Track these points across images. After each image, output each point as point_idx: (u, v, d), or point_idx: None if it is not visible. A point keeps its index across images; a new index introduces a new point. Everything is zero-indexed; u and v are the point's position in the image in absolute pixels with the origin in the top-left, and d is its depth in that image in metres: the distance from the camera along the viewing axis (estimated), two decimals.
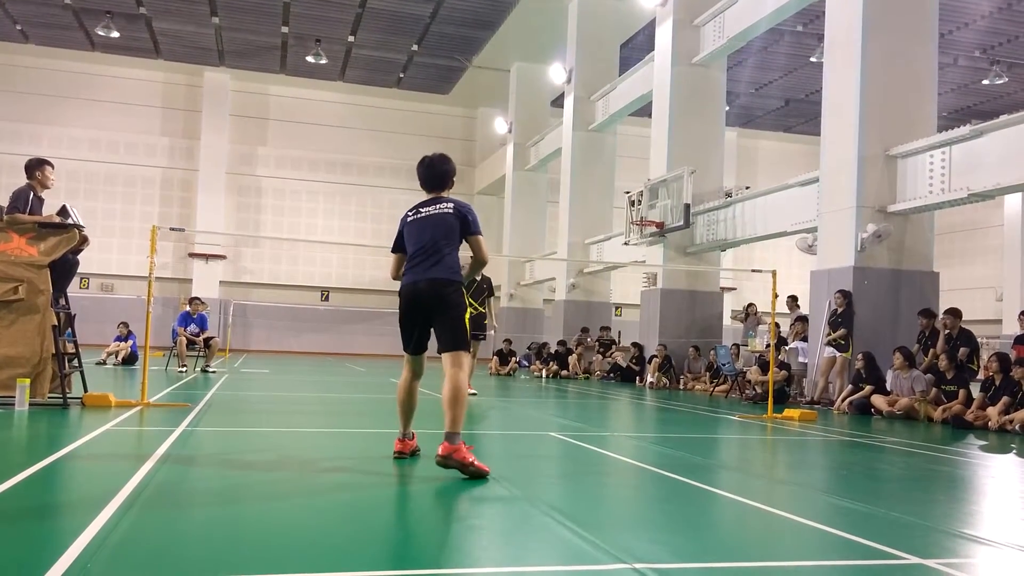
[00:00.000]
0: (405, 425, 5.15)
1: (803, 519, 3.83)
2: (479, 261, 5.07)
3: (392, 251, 5.15)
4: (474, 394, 10.92)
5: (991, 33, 21.53)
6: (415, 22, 23.59)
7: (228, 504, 3.75)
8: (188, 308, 14.91)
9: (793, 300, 14.20)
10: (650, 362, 16.03)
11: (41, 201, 7.70)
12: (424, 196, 5.14)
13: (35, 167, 7.67)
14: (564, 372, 18.61)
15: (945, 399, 9.86)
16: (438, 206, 4.99)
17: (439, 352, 4.95)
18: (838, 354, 11.59)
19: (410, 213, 5.09)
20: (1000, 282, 27.01)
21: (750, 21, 15.03)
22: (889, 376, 10.69)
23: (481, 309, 11.00)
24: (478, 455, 4.64)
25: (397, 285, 5.08)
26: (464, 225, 4.96)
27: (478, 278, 10.04)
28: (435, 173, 5.12)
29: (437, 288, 4.81)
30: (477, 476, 4.47)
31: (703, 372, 15.50)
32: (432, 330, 4.94)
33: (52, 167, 7.80)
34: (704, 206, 16.02)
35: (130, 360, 15.73)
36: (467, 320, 4.99)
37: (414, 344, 4.98)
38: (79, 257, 7.94)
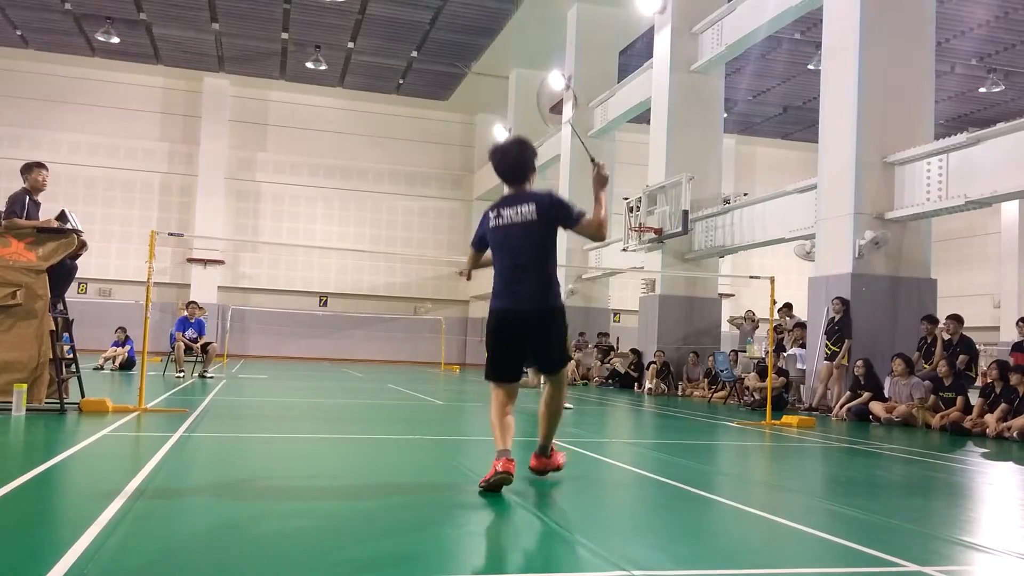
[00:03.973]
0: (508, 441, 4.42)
1: (802, 526, 3.82)
2: (598, 240, 4.40)
3: (471, 244, 4.58)
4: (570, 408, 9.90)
5: (988, 41, 21.59)
6: (415, 29, 23.63)
7: (225, 511, 3.73)
8: (186, 313, 14.88)
9: (788, 308, 14.15)
10: (648, 368, 16.03)
11: (37, 205, 7.69)
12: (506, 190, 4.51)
13: (26, 170, 7.68)
14: None
15: (943, 406, 9.86)
16: (519, 208, 4.25)
17: (539, 371, 4.56)
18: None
19: (491, 213, 4.37)
20: (997, 289, 27.05)
21: (748, 29, 15.08)
22: (887, 383, 10.69)
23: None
24: (478, 460, 4.64)
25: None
26: (558, 221, 4.25)
27: None
28: (509, 163, 4.36)
29: (532, 320, 4.26)
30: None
31: (701, 378, 15.49)
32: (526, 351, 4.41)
33: (47, 170, 7.79)
34: (702, 212, 16.04)
35: (127, 365, 15.70)
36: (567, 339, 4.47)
37: (507, 373, 4.46)
38: (77, 262, 7.93)
